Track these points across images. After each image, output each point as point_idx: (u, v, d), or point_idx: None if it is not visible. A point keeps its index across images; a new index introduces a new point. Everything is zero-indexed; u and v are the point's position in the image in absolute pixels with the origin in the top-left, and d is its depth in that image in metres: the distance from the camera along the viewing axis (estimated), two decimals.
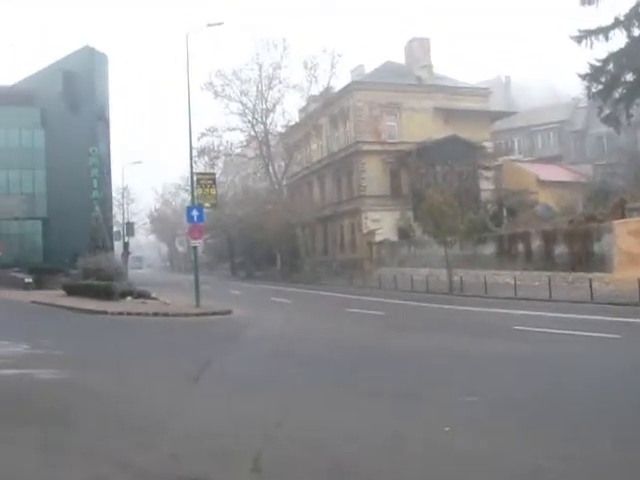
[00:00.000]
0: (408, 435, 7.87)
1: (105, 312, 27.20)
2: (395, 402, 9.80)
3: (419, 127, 51.66)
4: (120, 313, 26.82)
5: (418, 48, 57.53)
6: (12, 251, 54.42)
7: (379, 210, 51.63)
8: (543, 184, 52.12)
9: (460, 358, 13.87)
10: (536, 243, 34.90)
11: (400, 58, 59.48)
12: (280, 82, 56.11)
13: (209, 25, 30.51)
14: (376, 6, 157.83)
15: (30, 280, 46.54)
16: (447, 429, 7.94)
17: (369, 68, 58.85)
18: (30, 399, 10.83)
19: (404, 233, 48.47)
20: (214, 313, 25.97)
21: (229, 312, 26.32)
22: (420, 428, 8.19)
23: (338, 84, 55.86)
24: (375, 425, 8.41)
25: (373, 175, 52.70)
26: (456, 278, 35.05)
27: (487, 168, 52.10)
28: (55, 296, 36.29)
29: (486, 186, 51.78)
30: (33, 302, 34.73)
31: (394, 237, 49.74)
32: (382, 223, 50.83)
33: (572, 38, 39.99)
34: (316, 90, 56.15)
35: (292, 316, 25.85)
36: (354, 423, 8.53)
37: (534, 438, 7.38)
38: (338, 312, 27.87)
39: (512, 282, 31.06)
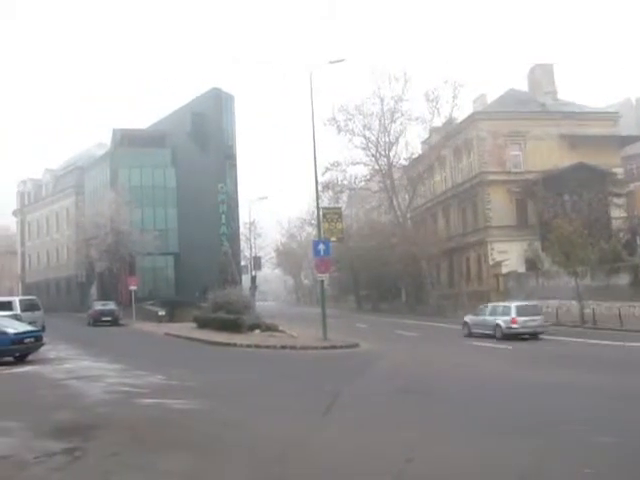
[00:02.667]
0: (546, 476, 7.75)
1: (234, 344, 27.94)
2: (524, 439, 9.64)
3: (545, 155, 50.50)
4: (249, 346, 27.45)
5: (541, 74, 56.46)
6: (146, 285, 56.80)
7: (505, 241, 50.65)
8: None
9: (594, 395, 13.47)
10: None
11: (523, 85, 58.57)
12: (402, 115, 56.28)
13: (331, 62, 31.10)
14: (496, 35, 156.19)
15: (163, 313, 48.26)
16: (587, 471, 7.74)
17: (491, 97, 58.13)
18: (167, 427, 11.35)
19: (532, 264, 47.36)
20: (341, 346, 26.17)
21: (356, 345, 26.48)
22: (557, 468, 8.04)
23: (460, 115, 55.55)
24: (505, 464, 8.32)
25: (498, 205, 51.83)
26: (588, 310, 33.94)
27: (618, 195, 50.29)
28: (186, 328, 37.51)
29: (617, 214, 49.94)
30: (166, 334, 36.05)
31: (521, 268, 48.66)
32: (509, 254, 49.81)
33: None
34: (438, 121, 56.01)
35: (418, 349, 25.75)
36: (485, 462, 8.46)
37: None
38: (464, 345, 27.59)
39: None
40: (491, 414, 11.80)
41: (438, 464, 8.45)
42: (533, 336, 28.77)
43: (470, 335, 30.99)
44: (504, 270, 49.74)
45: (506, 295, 47.91)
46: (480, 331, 30.58)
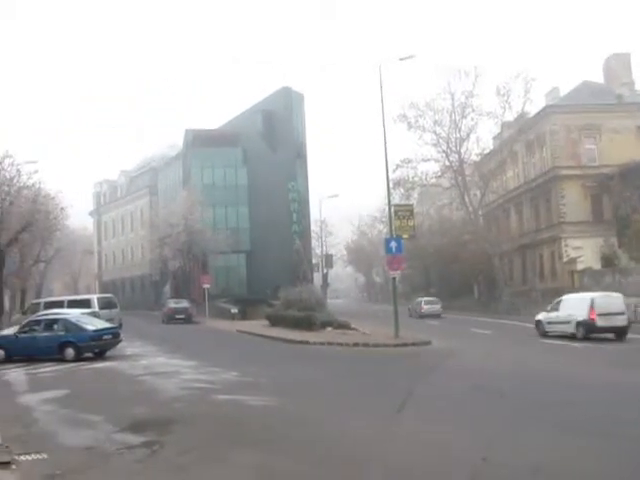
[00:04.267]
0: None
1: (307, 342, 28.10)
2: (601, 440, 9.47)
3: (621, 148, 49.11)
4: (321, 343, 27.58)
5: (617, 65, 54.99)
6: (219, 283, 57.56)
7: (580, 237, 49.56)
8: None
9: None
10: None
11: (598, 77, 57.22)
12: (473, 110, 55.53)
13: (401, 59, 30.89)
14: (570, 26, 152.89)
15: (236, 310, 48.84)
16: None
17: (564, 90, 56.94)
18: (241, 423, 11.53)
19: (608, 260, 46.22)
20: (413, 344, 26.05)
21: (428, 343, 26.33)
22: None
23: (532, 109, 54.53)
24: (581, 467, 8.18)
25: (573, 201, 50.75)
26: None
27: None
28: (259, 326, 37.91)
29: None
30: (239, 331, 36.49)
31: (597, 265, 47.55)
32: (583, 250, 48.75)
33: None
34: (510, 116, 55.08)
35: (491, 347, 25.45)
36: (561, 462, 8.35)
37: None
38: (538, 343, 27.09)
39: None
40: (567, 415, 11.59)
41: (513, 463, 8.36)
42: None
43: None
44: (579, 267, 48.70)
45: (581, 292, 46.97)
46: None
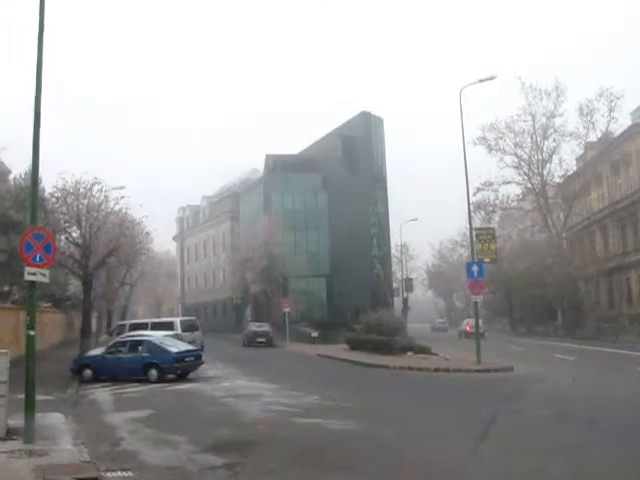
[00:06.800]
0: None
1: (387, 366, 27.91)
2: None
3: None
4: (401, 368, 27.36)
5: None
6: (299, 307, 57.69)
7: None
8: None
9: None
10: None
11: None
12: (555, 131, 54.81)
13: (481, 80, 30.65)
14: None
15: (316, 334, 48.86)
16: None
17: None
18: (322, 447, 11.52)
19: None
20: (495, 369, 25.56)
21: (510, 369, 25.78)
22: None
23: (617, 128, 53.31)
24: None
25: None
26: None
27: None
28: (339, 350, 37.83)
29: None
30: (319, 355, 36.49)
31: None
32: None
33: None
34: (594, 136, 54.09)
35: (578, 374, 24.71)
36: None
37: None
38: (628, 371, 26.17)
39: None
40: None
41: None
42: None
43: None
44: None
45: None
46: None
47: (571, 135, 54.40)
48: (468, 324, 58.03)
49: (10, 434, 11.90)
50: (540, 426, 13.39)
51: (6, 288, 32.89)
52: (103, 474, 9.60)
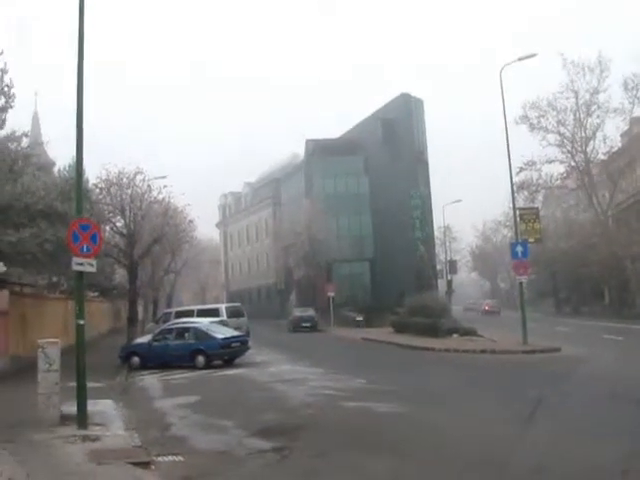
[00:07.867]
0: None
1: (432, 349, 27.93)
2: None
3: None
4: (447, 350, 27.35)
5: None
6: (343, 291, 57.75)
7: None
8: None
9: None
10: None
11: None
12: (599, 107, 53.72)
13: (520, 59, 30.24)
14: None
15: (361, 318, 49.02)
16: None
17: None
18: (370, 430, 11.60)
19: None
20: (542, 351, 25.32)
21: (558, 350, 25.53)
22: None
23: None
24: None
25: None
26: None
27: None
28: (384, 333, 37.88)
29: None
30: (364, 339, 36.60)
31: None
32: None
33: None
34: (639, 111, 52.97)
35: (626, 354, 24.37)
36: None
37: None
38: None
39: None
40: None
41: None
42: None
43: None
44: None
45: None
46: None
47: (615, 111, 53.28)
48: (487, 304, 75.55)
49: (64, 420, 12.21)
50: (589, 406, 13.26)
51: (54, 279, 33.46)
52: (155, 458, 9.82)
